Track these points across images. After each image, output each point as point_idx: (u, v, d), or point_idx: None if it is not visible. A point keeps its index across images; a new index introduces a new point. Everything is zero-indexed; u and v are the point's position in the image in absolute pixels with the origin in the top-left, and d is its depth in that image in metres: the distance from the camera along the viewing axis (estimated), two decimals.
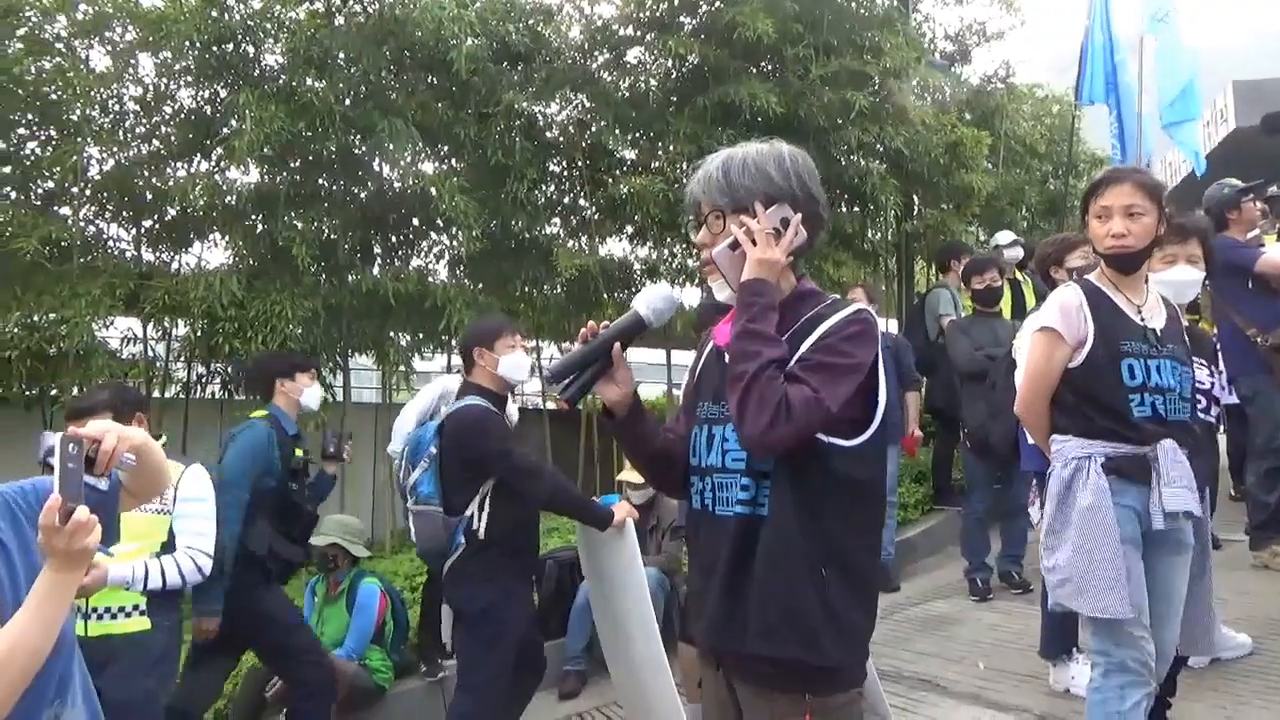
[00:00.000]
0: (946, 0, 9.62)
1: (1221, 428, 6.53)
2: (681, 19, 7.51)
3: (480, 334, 3.58)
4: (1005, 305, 6.36)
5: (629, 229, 7.83)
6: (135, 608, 3.04)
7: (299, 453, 4.06)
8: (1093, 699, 2.57)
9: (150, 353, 6.55)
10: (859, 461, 1.69)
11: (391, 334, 6.84)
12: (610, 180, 7.31)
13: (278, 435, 3.91)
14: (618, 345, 1.80)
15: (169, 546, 3.12)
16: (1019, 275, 7.05)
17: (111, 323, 6.12)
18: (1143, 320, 2.61)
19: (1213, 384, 3.30)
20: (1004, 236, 7.22)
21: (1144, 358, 2.53)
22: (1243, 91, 11.49)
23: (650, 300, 1.83)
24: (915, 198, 8.72)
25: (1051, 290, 3.26)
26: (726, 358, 1.76)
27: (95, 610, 2.98)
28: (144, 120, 6.40)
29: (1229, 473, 6.62)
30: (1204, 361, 3.14)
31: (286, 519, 3.95)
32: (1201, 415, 3.25)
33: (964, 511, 5.71)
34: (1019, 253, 7.04)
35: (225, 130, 6.10)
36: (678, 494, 1.93)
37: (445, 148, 7.01)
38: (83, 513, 1.54)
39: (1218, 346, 5.65)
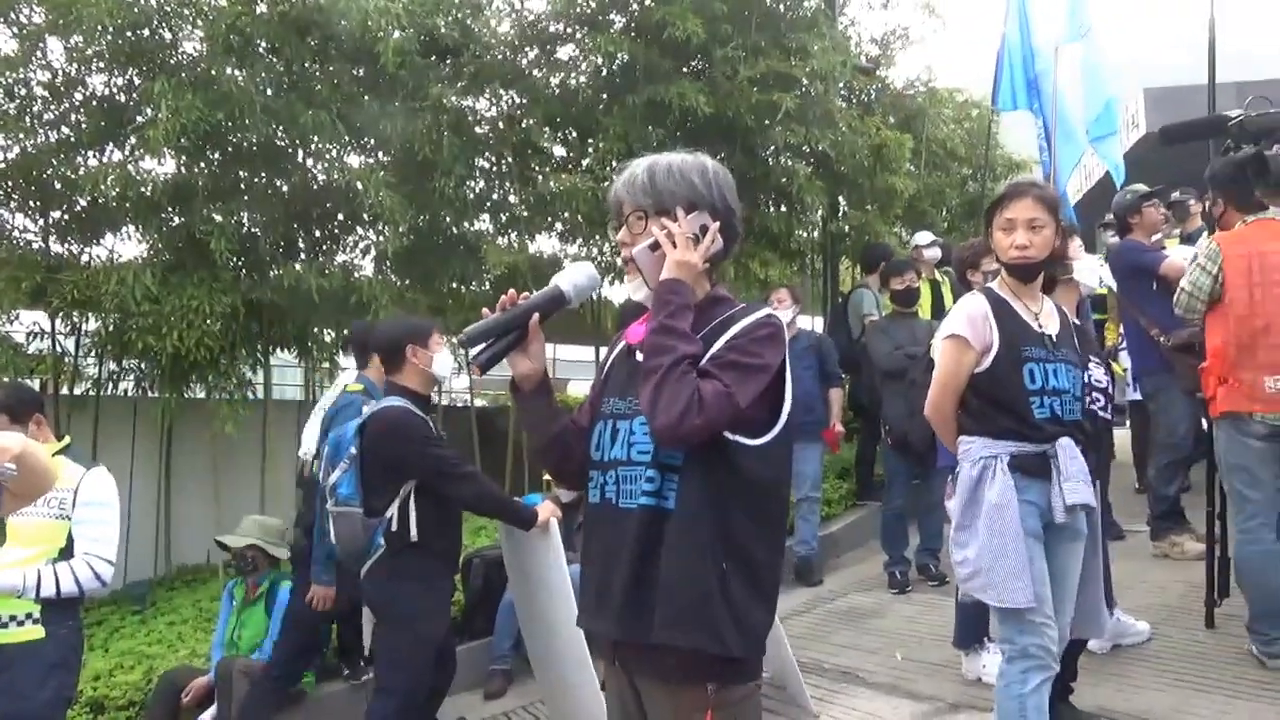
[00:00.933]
0: (871, 5, 9.83)
1: (1126, 423, 6.83)
2: (612, 16, 7.52)
3: (414, 332, 3.52)
4: (925, 305, 6.54)
5: (558, 226, 7.82)
6: (29, 616, 2.93)
7: None
8: (998, 684, 2.70)
9: (59, 348, 6.33)
10: (763, 460, 1.73)
11: (315, 330, 6.71)
12: (540, 177, 7.29)
13: None
14: (536, 317, 1.83)
15: (68, 553, 3.02)
16: (938, 275, 7.24)
17: (16, 316, 5.90)
18: (1040, 326, 2.75)
19: (1107, 383, 3.50)
20: (923, 237, 7.41)
21: (1043, 362, 2.68)
22: (1154, 98, 11.96)
23: (573, 277, 1.87)
24: (840, 199, 8.88)
25: (967, 292, 3.44)
26: (637, 355, 1.80)
27: None
28: (53, 106, 6.16)
29: (1133, 467, 6.92)
30: (1099, 360, 3.32)
31: None
32: (1100, 413, 3.43)
33: (883, 506, 5.86)
34: (937, 253, 7.23)
35: (140, 119, 5.91)
36: (572, 482, 1.97)
37: (371, 141, 6.90)
38: None
39: (1122, 346, 5.93)
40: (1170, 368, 5.06)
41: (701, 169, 1.84)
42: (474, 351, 1.81)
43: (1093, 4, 7.66)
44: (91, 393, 6.52)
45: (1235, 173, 3.68)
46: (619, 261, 7.45)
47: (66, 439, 3.46)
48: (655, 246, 1.80)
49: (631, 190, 1.84)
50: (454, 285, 7.32)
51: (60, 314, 6.04)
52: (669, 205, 1.80)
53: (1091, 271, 3.64)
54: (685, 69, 7.38)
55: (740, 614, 1.68)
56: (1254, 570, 3.72)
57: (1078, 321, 3.09)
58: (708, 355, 1.71)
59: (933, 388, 2.87)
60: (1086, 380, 3.04)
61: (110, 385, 6.57)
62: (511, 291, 1.85)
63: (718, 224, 1.82)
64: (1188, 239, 6.46)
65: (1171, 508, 5.36)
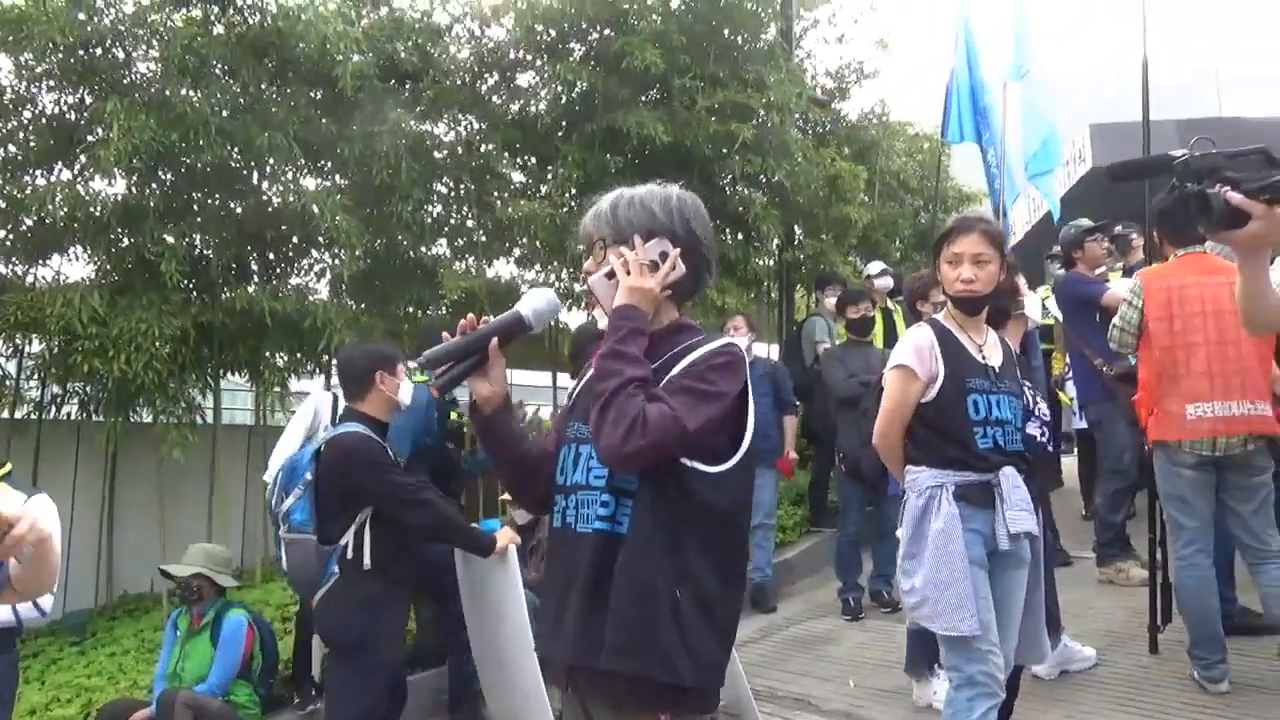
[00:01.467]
0: (827, 39, 10.05)
1: (1073, 450, 6.99)
2: (571, 45, 7.58)
3: (384, 358, 3.51)
4: (878, 334, 6.64)
5: (516, 252, 7.82)
6: None
7: (454, 415, 4.76)
8: (945, 712, 2.73)
9: None
10: (721, 488, 1.74)
11: (267, 354, 6.61)
12: (498, 203, 7.30)
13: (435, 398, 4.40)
14: (495, 341, 1.84)
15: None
16: (890, 304, 7.36)
17: None
18: (984, 358, 2.83)
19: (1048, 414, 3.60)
20: (874, 267, 7.55)
21: (986, 393, 2.75)
22: (1100, 133, 12.33)
23: (534, 303, 1.90)
24: (796, 228, 9.00)
25: (917, 322, 3.52)
26: None
27: None
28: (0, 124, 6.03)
29: (1080, 494, 7.06)
30: (1042, 395, 3.41)
31: (441, 475, 4.41)
32: (1046, 445, 3.52)
33: (838, 533, 5.91)
34: (889, 282, 7.36)
35: (90, 138, 5.81)
36: (534, 506, 2.03)
37: (328, 164, 6.85)
38: None
39: (1069, 375, 6.09)
40: (1114, 397, 5.20)
41: (664, 198, 1.88)
42: (434, 374, 1.83)
43: (1037, 38, 7.91)
44: (33, 416, 6.35)
45: (1174, 209, 3.83)
46: (577, 288, 7.51)
47: (7, 466, 3.36)
48: (612, 275, 1.83)
49: (596, 222, 1.90)
50: (410, 310, 7.27)
51: (2, 336, 5.88)
52: (627, 234, 1.84)
53: (1032, 305, 3.78)
54: (644, 98, 7.46)
55: (692, 642, 1.67)
56: (1191, 596, 3.82)
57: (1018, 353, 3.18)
58: (665, 380, 1.73)
59: (880, 417, 2.92)
60: (1036, 413, 3.13)
61: (53, 409, 6.40)
62: (471, 316, 1.87)
63: (678, 250, 1.84)
64: (1129, 272, 6.66)
65: (1117, 535, 5.48)
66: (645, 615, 1.66)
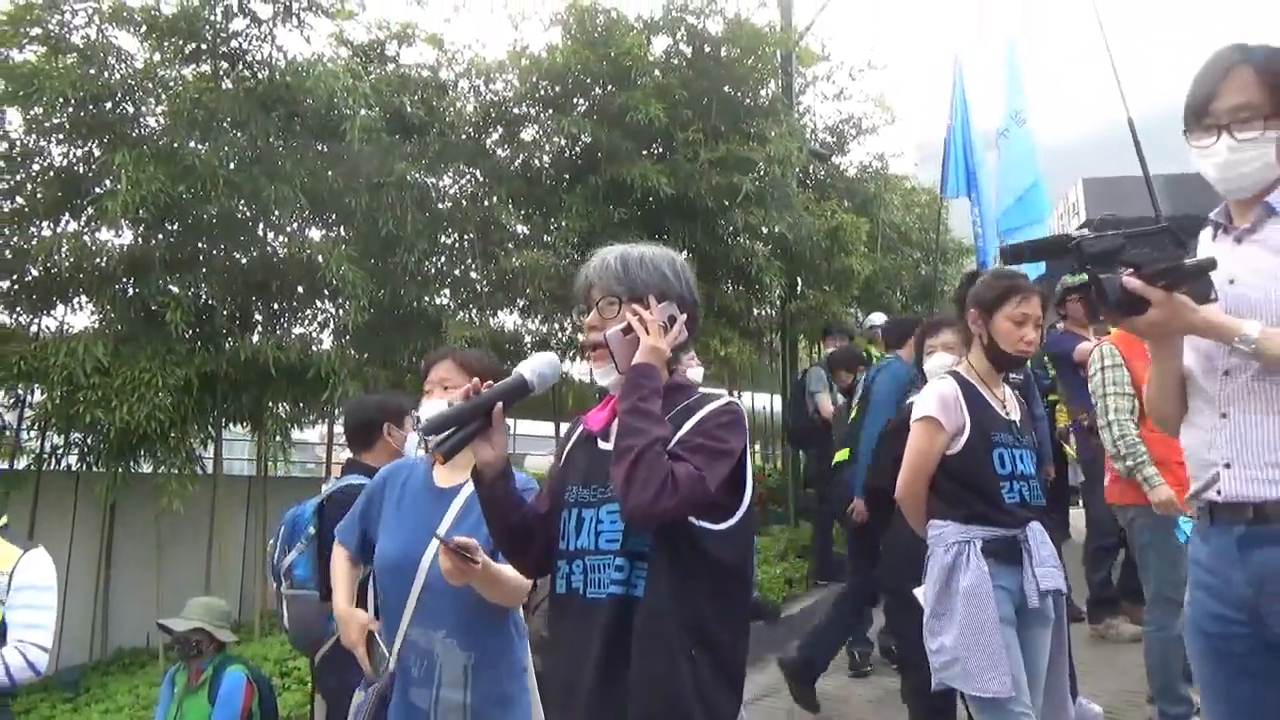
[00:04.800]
0: (826, 95, 10.21)
1: (1079, 502, 6.93)
2: (575, 100, 7.69)
3: (392, 410, 3.45)
4: None
5: (520, 302, 7.85)
6: None
7: None
8: None
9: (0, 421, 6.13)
10: (728, 544, 1.76)
11: (270, 404, 6.59)
12: (502, 253, 7.34)
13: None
14: (499, 406, 1.82)
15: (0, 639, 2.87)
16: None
17: None
18: (1006, 413, 2.81)
19: None
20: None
21: (1010, 448, 2.74)
22: (1092, 187, 12.55)
23: (536, 366, 1.88)
24: (798, 279, 9.05)
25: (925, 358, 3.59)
26: (599, 443, 1.83)
27: None
28: (7, 176, 6.08)
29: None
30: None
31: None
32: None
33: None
34: None
35: (98, 190, 5.86)
36: (532, 571, 2.00)
37: (334, 216, 6.90)
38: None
39: (1073, 429, 6.07)
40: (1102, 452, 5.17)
41: (670, 261, 1.91)
42: (436, 440, 1.81)
43: (1029, 87, 8.02)
44: (32, 468, 6.30)
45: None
46: (580, 338, 7.48)
47: (3, 518, 3.31)
48: (628, 330, 1.83)
49: (604, 276, 1.88)
50: (414, 360, 7.26)
51: (4, 386, 5.87)
52: (642, 293, 1.85)
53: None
54: (647, 151, 7.54)
55: (709, 698, 1.69)
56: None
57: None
58: (675, 440, 1.74)
59: (903, 470, 2.88)
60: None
61: (53, 460, 6.35)
62: (475, 380, 1.85)
63: (684, 315, 1.88)
64: None
65: (1103, 593, 5.41)
66: (667, 679, 1.66)
